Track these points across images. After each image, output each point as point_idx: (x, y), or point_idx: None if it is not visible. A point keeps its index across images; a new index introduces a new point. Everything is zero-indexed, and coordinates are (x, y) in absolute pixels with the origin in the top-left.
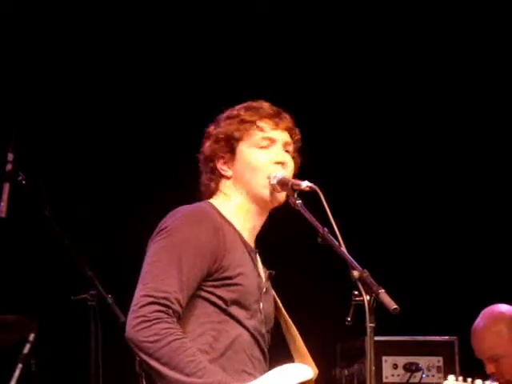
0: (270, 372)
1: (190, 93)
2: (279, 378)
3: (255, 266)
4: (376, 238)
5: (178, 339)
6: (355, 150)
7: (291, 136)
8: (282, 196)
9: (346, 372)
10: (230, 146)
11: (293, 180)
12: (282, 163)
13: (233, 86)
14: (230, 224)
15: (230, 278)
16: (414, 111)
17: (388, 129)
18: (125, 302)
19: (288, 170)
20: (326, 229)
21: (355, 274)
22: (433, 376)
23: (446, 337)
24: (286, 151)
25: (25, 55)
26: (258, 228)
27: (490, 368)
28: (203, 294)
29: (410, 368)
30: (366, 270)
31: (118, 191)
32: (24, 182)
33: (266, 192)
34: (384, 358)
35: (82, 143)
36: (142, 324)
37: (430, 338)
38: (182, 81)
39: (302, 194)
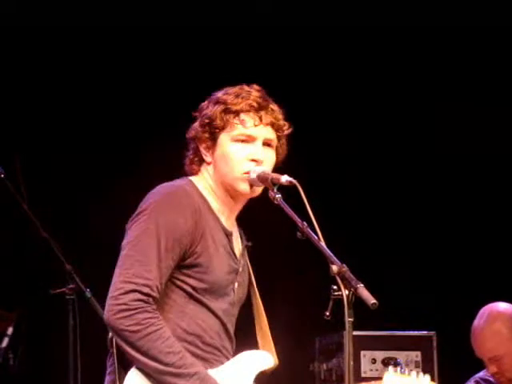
0: (232, 359)
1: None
2: (241, 366)
3: (231, 247)
4: (355, 232)
5: (158, 329)
6: (336, 144)
7: (277, 130)
8: (258, 189)
9: (325, 366)
10: (212, 132)
11: (272, 174)
12: (256, 161)
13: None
14: (208, 205)
15: (201, 265)
16: (400, 105)
17: (368, 122)
18: (104, 295)
19: (265, 167)
20: (305, 223)
21: (334, 268)
22: (411, 371)
23: (425, 332)
24: (268, 145)
25: None
26: (235, 211)
27: (492, 369)
28: (176, 281)
29: (389, 363)
30: (344, 265)
31: (96, 182)
32: (2, 176)
33: (241, 185)
34: (362, 352)
35: (61, 136)
36: (124, 312)
37: (409, 333)
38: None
39: (282, 188)
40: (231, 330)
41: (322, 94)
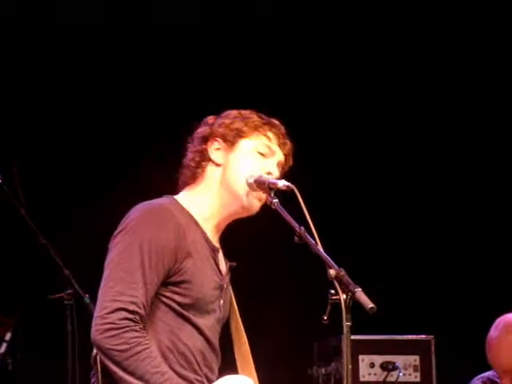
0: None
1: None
2: None
3: (216, 264)
4: (353, 236)
5: (145, 349)
6: (333, 149)
7: (285, 161)
8: (255, 204)
9: (323, 371)
10: (234, 136)
11: (269, 179)
12: (272, 176)
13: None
14: (194, 220)
15: (187, 281)
16: (395, 102)
17: (365, 125)
18: None
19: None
20: (302, 228)
21: (332, 272)
22: (409, 375)
23: (423, 336)
24: (278, 169)
25: None
26: (222, 227)
27: (505, 381)
28: (162, 298)
29: (387, 367)
30: (342, 269)
31: (95, 187)
32: (0, 181)
33: (244, 193)
34: (361, 356)
35: (59, 141)
36: (111, 331)
37: (407, 337)
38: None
39: (279, 193)
40: (216, 344)
41: (319, 98)
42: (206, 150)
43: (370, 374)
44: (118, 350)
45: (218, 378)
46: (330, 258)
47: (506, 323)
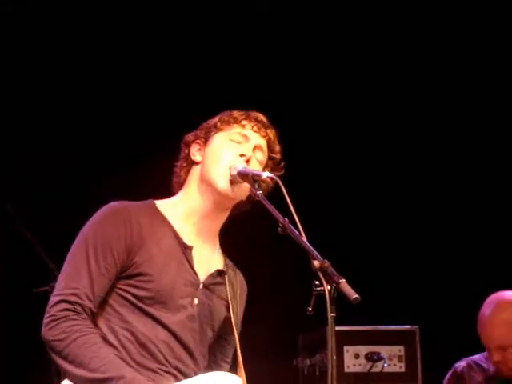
0: (199, 376)
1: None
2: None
3: (189, 262)
4: (337, 227)
5: (83, 335)
6: (317, 141)
7: (270, 150)
8: (238, 193)
9: (308, 362)
10: (208, 133)
11: (253, 171)
12: (246, 157)
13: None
14: (165, 222)
15: (143, 274)
16: (385, 103)
17: (352, 118)
18: None
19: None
20: (286, 219)
21: (316, 263)
22: (394, 365)
23: (408, 326)
24: (256, 156)
25: None
26: (210, 226)
27: (496, 357)
28: (118, 290)
29: (372, 357)
30: (326, 260)
31: (80, 183)
32: None
33: (221, 182)
34: (345, 347)
35: (44, 135)
36: (51, 323)
37: (392, 328)
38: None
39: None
40: (193, 345)
41: (310, 94)
42: (189, 154)
43: (354, 365)
44: (57, 340)
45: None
46: (314, 249)
47: (500, 301)
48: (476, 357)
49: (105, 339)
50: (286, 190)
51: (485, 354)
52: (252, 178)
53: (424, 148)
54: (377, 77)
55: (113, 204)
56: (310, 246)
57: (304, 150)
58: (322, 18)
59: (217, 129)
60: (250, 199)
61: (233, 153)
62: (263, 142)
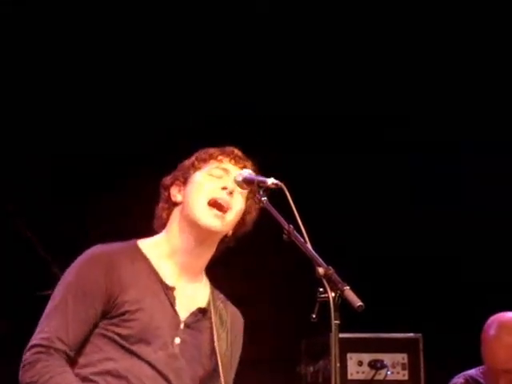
0: None
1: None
2: None
3: (170, 302)
4: (341, 234)
5: (56, 374)
6: (322, 148)
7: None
8: (213, 222)
9: (311, 369)
10: (187, 173)
11: (258, 177)
12: (228, 190)
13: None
14: (146, 263)
15: (126, 313)
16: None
17: (357, 122)
18: None
19: (233, 202)
20: (291, 226)
21: (320, 270)
22: (397, 373)
23: (411, 334)
24: (239, 187)
25: None
26: (195, 264)
27: (503, 381)
28: (101, 330)
29: (375, 365)
30: (330, 267)
31: (84, 183)
32: None
33: (205, 217)
34: (349, 355)
35: (44, 135)
36: (25, 367)
37: (395, 335)
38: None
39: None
40: (175, 380)
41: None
42: (169, 196)
43: (358, 372)
44: (31, 382)
45: None
46: (318, 256)
47: (503, 324)
48: (473, 372)
49: (85, 377)
50: (291, 197)
51: (481, 368)
52: (257, 185)
53: (427, 149)
54: (377, 77)
55: (93, 249)
56: (314, 252)
57: (308, 155)
58: (322, 18)
59: (195, 168)
60: (235, 233)
61: (214, 186)
62: None
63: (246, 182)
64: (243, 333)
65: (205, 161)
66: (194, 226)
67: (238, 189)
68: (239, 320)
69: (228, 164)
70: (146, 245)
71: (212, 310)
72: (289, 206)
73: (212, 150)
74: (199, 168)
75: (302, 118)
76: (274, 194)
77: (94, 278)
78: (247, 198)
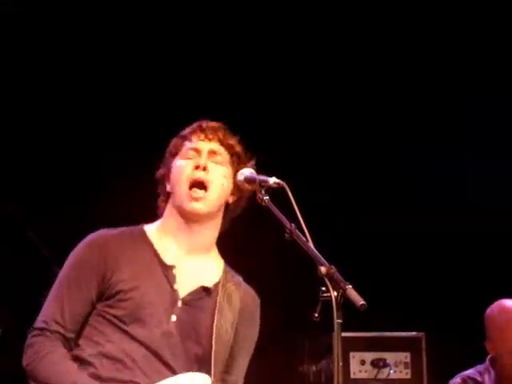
0: (167, 380)
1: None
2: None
3: (168, 280)
4: (343, 234)
5: (48, 353)
6: (321, 142)
7: (226, 147)
8: (191, 204)
9: (314, 368)
10: (170, 162)
11: (260, 176)
12: (200, 167)
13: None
14: (148, 244)
15: (120, 292)
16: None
17: (359, 122)
18: None
19: (211, 175)
20: (293, 225)
21: (322, 269)
22: (400, 372)
23: (414, 333)
24: (214, 157)
25: None
26: (195, 241)
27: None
28: (99, 312)
29: (378, 364)
30: (333, 266)
31: (88, 185)
32: None
33: (184, 199)
34: (351, 353)
35: (45, 134)
36: (24, 350)
37: (398, 334)
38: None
39: (270, 190)
40: (173, 361)
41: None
42: (165, 188)
43: (360, 371)
44: (27, 364)
45: None
46: (320, 255)
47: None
48: (470, 372)
49: (83, 358)
50: (293, 196)
51: (478, 368)
52: (259, 184)
53: (427, 148)
54: (378, 77)
55: (92, 234)
56: (316, 251)
57: (311, 152)
58: (322, 18)
59: (172, 155)
60: (239, 199)
61: (189, 168)
62: (214, 145)
63: (248, 182)
64: (259, 312)
65: (179, 145)
66: (182, 213)
67: (215, 159)
68: (253, 301)
69: (197, 142)
70: (151, 228)
71: (220, 290)
72: (290, 205)
73: (184, 132)
74: (176, 153)
75: (302, 116)
76: (275, 193)
77: (88, 260)
78: (231, 162)
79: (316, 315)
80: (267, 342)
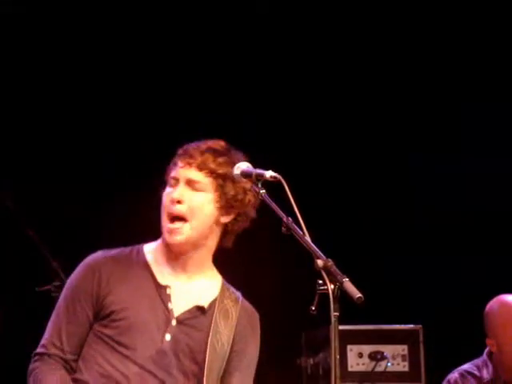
0: None
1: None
2: None
3: (162, 300)
4: (340, 226)
5: (43, 378)
6: (321, 141)
7: (208, 172)
8: (168, 237)
9: (311, 361)
10: (164, 187)
11: (256, 170)
12: (177, 201)
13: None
14: (143, 263)
15: (113, 312)
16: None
17: (356, 119)
18: None
19: (188, 205)
20: (290, 218)
21: (319, 263)
22: (398, 365)
23: (411, 325)
24: (191, 186)
25: None
26: (187, 263)
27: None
28: (95, 332)
29: (375, 357)
30: (330, 259)
31: (81, 179)
32: None
33: (165, 232)
34: (349, 346)
35: (45, 134)
36: (27, 377)
37: (395, 327)
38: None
39: (266, 183)
40: (169, 380)
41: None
42: None
43: (358, 364)
44: None
45: None
46: (317, 249)
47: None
48: (467, 366)
49: (84, 381)
50: (290, 190)
51: (475, 362)
52: (255, 177)
53: (427, 148)
54: (377, 77)
55: (89, 257)
56: (313, 245)
57: (308, 148)
58: (322, 18)
59: (165, 181)
60: (236, 216)
61: (167, 201)
62: (192, 173)
63: (244, 175)
64: (259, 328)
65: (169, 170)
66: (167, 244)
67: (191, 190)
68: (251, 317)
69: (178, 170)
70: (148, 248)
71: (216, 307)
72: (287, 199)
73: (176, 158)
74: (167, 180)
75: (302, 116)
76: (272, 187)
77: (82, 283)
78: (215, 186)
79: (313, 308)
80: (264, 335)
